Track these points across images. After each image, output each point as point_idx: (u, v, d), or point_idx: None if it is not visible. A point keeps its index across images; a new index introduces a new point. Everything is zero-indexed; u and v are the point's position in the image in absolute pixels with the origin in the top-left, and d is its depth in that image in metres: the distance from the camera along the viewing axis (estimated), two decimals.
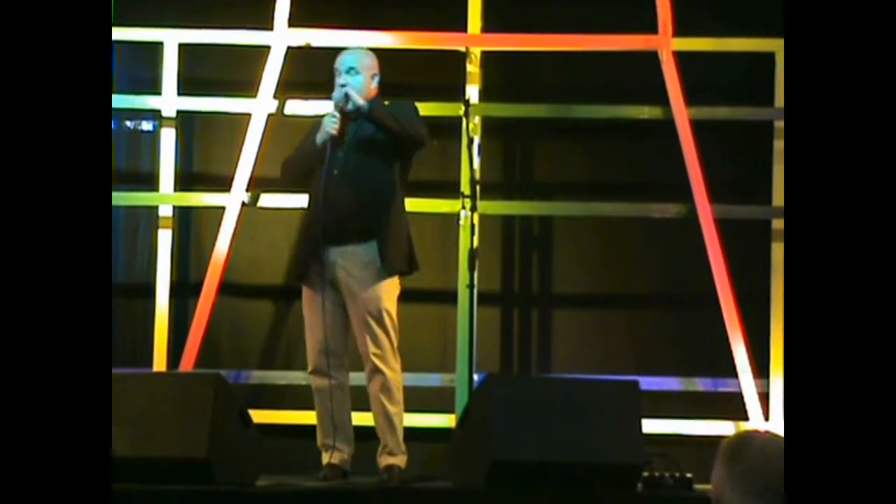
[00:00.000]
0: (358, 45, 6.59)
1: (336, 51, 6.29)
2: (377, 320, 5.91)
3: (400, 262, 5.99)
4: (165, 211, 7.15)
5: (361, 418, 6.09)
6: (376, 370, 5.93)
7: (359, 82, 6.05)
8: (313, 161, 6.01)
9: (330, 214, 5.90)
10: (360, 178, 5.96)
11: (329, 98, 6.13)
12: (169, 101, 7.17)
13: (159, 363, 6.96)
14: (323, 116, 6.12)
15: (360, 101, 5.95)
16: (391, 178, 6.03)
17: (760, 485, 2.66)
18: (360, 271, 5.92)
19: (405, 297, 6.12)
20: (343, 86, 6.01)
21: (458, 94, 6.91)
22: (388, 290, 5.96)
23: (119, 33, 7.11)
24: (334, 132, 5.93)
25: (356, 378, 6.08)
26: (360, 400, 6.06)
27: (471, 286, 6.32)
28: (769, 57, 7.01)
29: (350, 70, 6.06)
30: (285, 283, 6.97)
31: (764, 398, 6.78)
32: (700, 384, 7.09)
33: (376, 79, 6.13)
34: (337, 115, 5.97)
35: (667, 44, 6.99)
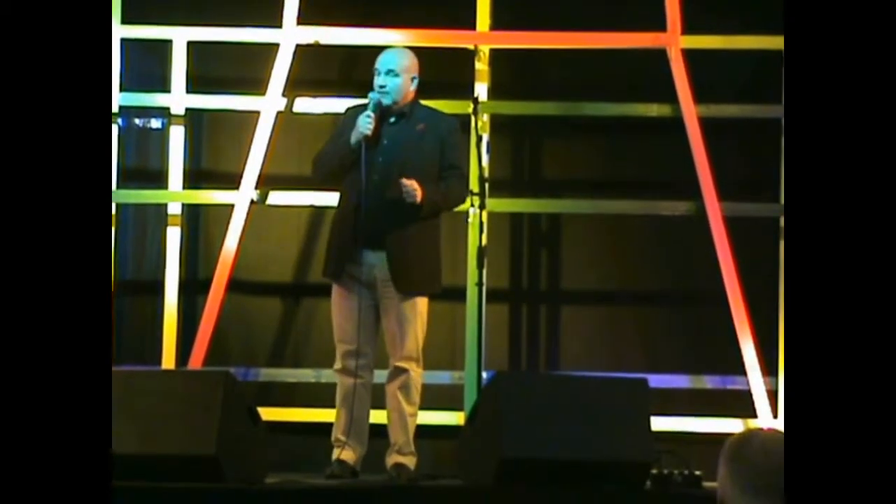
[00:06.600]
0: (397, 45, 6.46)
1: (344, 49, 6.28)
2: (412, 322, 5.92)
3: (419, 282, 5.98)
4: (174, 208, 7.15)
5: (375, 416, 6.08)
6: (401, 370, 5.93)
7: (397, 84, 5.96)
8: (347, 160, 5.93)
9: (369, 219, 5.85)
10: (399, 186, 5.85)
11: (343, 95, 6.12)
12: (178, 98, 7.18)
13: (168, 361, 6.96)
14: (347, 112, 6.08)
15: (416, 195, 5.80)
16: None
17: (761, 482, 2.67)
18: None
19: None
20: (382, 87, 5.97)
21: (467, 91, 6.90)
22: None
23: (128, 31, 7.13)
24: (368, 132, 5.88)
25: (377, 376, 6.07)
26: (377, 398, 6.06)
27: (480, 284, 6.32)
28: (778, 55, 6.99)
29: (389, 72, 5.97)
30: (322, 278, 6.95)
31: (772, 396, 6.77)
32: (708, 382, 7.08)
33: (415, 81, 6.03)
34: (372, 115, 5.90)
35: (675, 41, 6.98)
